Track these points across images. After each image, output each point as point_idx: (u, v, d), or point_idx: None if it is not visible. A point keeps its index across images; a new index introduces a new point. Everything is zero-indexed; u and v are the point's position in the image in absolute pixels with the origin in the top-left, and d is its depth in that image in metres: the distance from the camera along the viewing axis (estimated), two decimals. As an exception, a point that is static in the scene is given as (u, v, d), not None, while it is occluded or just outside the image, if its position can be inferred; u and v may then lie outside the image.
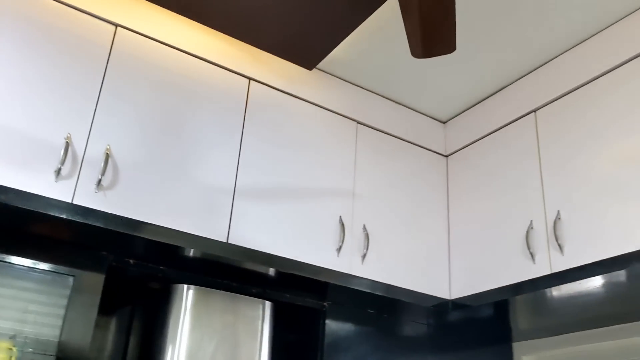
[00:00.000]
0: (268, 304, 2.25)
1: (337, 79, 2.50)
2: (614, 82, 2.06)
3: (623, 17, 2.09)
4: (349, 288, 2.27)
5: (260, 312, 2.22)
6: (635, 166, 1.90)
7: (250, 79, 2.25)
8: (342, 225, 2.24)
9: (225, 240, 1.99)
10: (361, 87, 2.56)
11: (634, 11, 2.06)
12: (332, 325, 2.37)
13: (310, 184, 2.24)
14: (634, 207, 1.87)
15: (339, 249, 2.20)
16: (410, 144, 2.62)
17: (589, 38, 2.20)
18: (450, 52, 1.72)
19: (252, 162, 2.14)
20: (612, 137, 2.01)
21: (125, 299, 2.23)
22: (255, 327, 2.19)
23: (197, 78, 2.13)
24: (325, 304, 2.38)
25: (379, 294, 2.33)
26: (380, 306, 2.50)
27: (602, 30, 2.16)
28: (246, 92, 2.22)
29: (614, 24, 2.12)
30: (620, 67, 2.06)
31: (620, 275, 2.08)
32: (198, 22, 2.16)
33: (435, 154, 2.69)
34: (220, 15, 2.09)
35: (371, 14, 1.96)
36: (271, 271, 2.18)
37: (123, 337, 2.18)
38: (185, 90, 2.09)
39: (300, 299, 2.36)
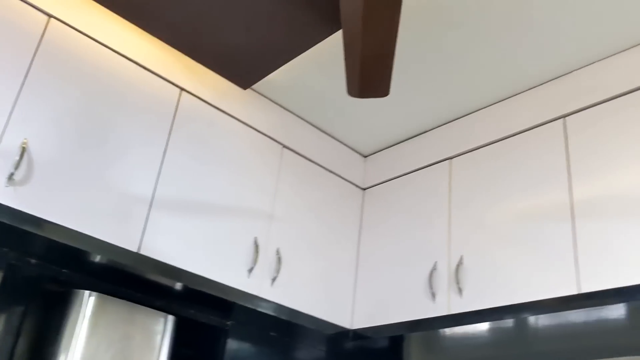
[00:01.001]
0: (171, 317, 2.21)
1: (270, 101, 2.52)
2: (525, 143, 2.22)
3: (538, 85, 2.27)
4: (255, 310, 2.28)
5: (162, 325, 2.18)
6: (535, 224, 2.05)
7: (182, 89, 2.23)
8: (257, 246, 2.25)
9: (136, 250, 1.94)
10: (292, 112, 2.60)
11: (550, 80, 2.24)
12: (233, 345, 2.37)
13: (229, 202, 2.24)
14: (530, 261, 2.02)
15: (250, 270, 2.21)
16: (331, 173, 2.69)
17: (506, 99, 2.36)
18: (383, 97, 1.80)
19: (174, 173, 2.11)
20: (518, 194, 2.16)
21: (20, 299, 2.11)
22: (154, 341, 2.14)
23: (128, 81, 2.08)
24: (228, 322, 2.37)
25: (283, 318, 2.36)
26: (282, 329, 2.52)
27: (518, 94, 2.32)
28: (176, 102, 2.20)
29: (530, 89, 2.29)
30: (532, 130, 2.22)
31: (509, 322, 2.23)
32: (137, 26, 2.12)
33: (353, 185, 2.77)
34: (161, 22, 2.07)
35: (313, 46, 2.01)
36: (179, 285, 2.15)
37: (11, 339, 2.06)
38: (114, 92, 2.03)
39: (204, 316, 2.34)
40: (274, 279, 2.27)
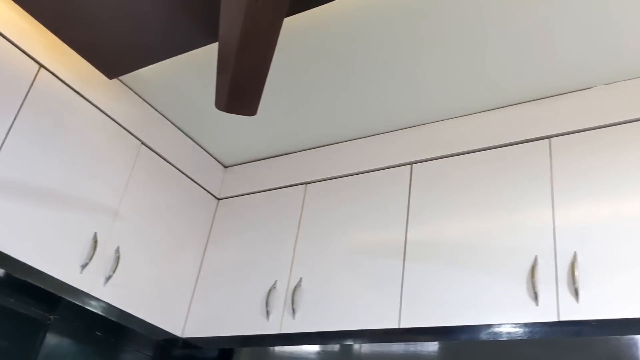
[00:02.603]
0: (-14, 305, 2.05)
1: (135, 94, 2.45)
2: (374, 182, 2.36)
3: (393, 130, 2.43)
4: (82, 307, 2.18)
5: (-26, 312, 2.02)
6: (371, 258, 2.18)
7: (41, 66, 2.09)
8: (95, 242, 2.16)
9: (-43, 229, 1.79)
10: (156, 110, 2.54)
11: (403, 128, 2.40)
12: (52, 340, 2.25)
13: (72, 192, 2.13)
14: (361, 292, 2.14)
15: (84, 266, 2.11)
16: (187, 177, 2.65)
17: (364, 137, 2.49)
18: (250, 115, 1.83)
19: (17, 152, 1.97)
20: (361, 228, 2.28)
21: None
22: (-38, 328, 1.97)
23: (-19, 46, 1.92)
24: (51, 317, 2.24)
25: (112, 319, 2.27)
26: (109, 330, 2.43)
27: (376, 134, 2.47)
28: (33, 78, 2.06)
29: (386, 132, 2.44)
30: (381, 170, 2.37)
31: (335, 347, 2.34)
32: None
33: (208, 194, 2.76)
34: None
35: (188, 51, 2.00)
36: (0, 272, 2.00)
37: None
38: (-38, 55, 1.87)
39: (25, 307, 2.19)
40: (108, 278, 2.19)
